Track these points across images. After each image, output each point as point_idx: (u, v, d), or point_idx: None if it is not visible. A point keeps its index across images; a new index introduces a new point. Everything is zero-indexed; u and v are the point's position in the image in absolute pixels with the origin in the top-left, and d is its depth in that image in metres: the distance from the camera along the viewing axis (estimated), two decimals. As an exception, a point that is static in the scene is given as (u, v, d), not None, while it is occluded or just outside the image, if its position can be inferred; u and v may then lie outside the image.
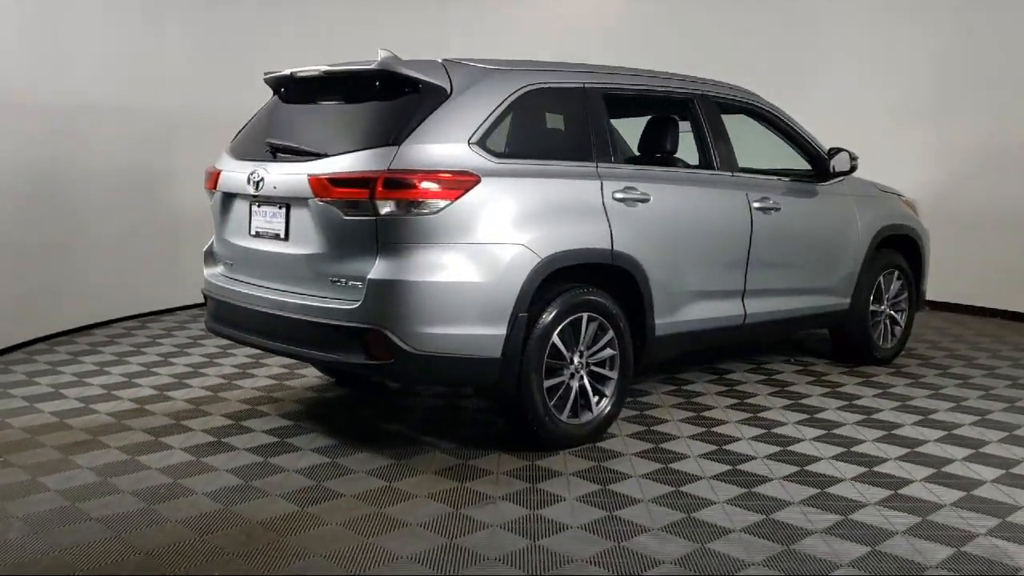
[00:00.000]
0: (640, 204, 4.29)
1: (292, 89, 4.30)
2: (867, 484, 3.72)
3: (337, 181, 3.65)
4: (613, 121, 6.25)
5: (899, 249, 6.00)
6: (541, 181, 3.96)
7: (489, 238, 3.73)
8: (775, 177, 5.27)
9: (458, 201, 3.66)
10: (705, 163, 4.85)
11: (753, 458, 4.01)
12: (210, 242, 4.56)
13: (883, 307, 5.86)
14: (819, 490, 3.64)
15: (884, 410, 4.81)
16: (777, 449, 4.14)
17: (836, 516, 3.39)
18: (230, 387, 5.10)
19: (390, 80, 3.86)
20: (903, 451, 4.14)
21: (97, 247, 6.68)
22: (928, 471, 3.88)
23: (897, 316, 5.99)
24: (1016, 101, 7.53)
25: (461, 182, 3.68)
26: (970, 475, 3.84)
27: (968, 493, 3.64)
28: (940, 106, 7.99)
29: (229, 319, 4.27)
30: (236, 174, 4.16)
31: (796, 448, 4.16)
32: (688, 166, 4.96)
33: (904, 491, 3.65)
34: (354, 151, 3.70)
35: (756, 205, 4.87)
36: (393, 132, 3.68)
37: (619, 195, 4.21)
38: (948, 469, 3.91)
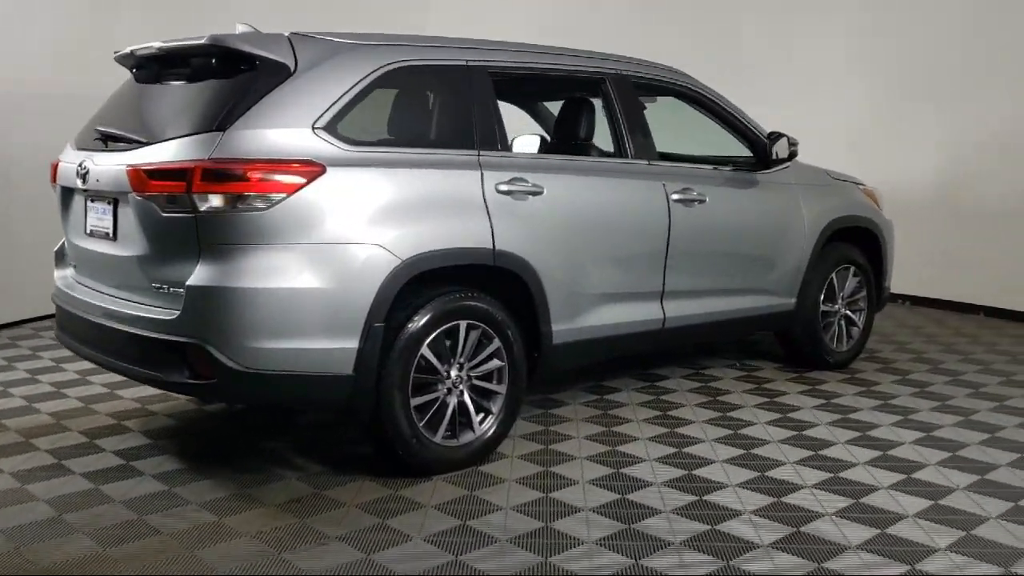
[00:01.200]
0: (531, 198, 3.81)
1: (139, 68, 3.84)
2: (767, 519, 3.23)
3: (153, 173, 3.20)
4: (547, 105, 5.88)
5: (856, 243, 5.48)
6: (404, 172, 3.48)
7: (336, 238, 3.26)
8: (705, 166, 4.77)
9: (297, 195, 3.19)
10: (618, 151, 4.36)
11: (649, 484, 3.54)
12: (61, 242, 4.12)
13: (837, 307, 5.34)
14: (710, 526, 3.16)
15: (820, 424, 4.31)
16: (682, 473, 3.66)
17: (756, 552, 2.91)
18: (110, 396, 4.67)
19: (226, 57, 3.40)
20: (823, 476, 3.64)
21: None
22: (845, 502, 3.39)
23: (855, 316, 5.47)
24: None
25: (301, 172, 3.21)
26: (892, 508, 3.34)
27: (882, 531, 3.15)
28: (944, 89, 7.44)
29: (70, 329, 3.84)
30: (70, 166, 3.72)
31: (703, 472, 3.67)
32: (604, 154, 4.48)
33: (806, 528, 3.16)
34: (175, 138, 3.24)
35: (675, 197, 4.37)
36: (219, 116, 3.21)
37: (504, 187, 3.73)
38: (868, 500, 3.42)
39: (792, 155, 4.87)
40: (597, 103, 4.43)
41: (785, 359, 5.49)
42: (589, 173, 4.10)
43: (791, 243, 4.98)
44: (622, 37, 7.82)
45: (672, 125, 5.38)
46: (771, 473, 3.67)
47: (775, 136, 4.83)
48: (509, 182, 3.75)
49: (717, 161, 5.02)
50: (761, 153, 4.89)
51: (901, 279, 7.75)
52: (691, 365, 5.37)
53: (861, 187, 5.62)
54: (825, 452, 3.93)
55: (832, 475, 3.66)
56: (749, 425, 4.28)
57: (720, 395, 4.77)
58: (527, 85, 4.90)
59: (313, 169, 3.23)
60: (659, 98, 5.05)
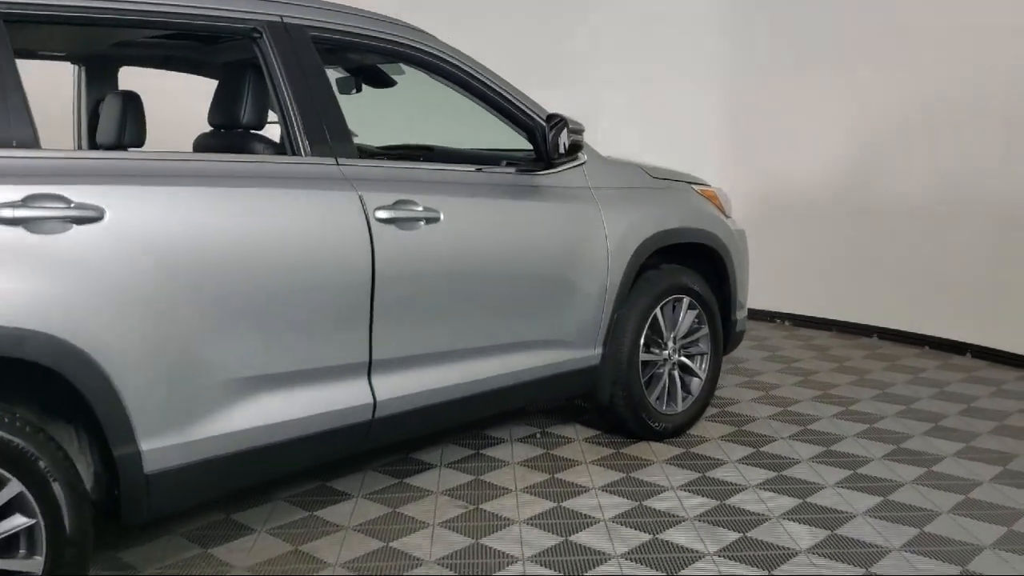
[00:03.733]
0: (74, 229, 2.23)
1: None
2: None
3: None
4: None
5: (691, 264, 4.04)
6: None
7: None
8: (451, 167, 3.27)
9: None
10: (290, 144, 2.81)
11: None
12: None
13: (665, 354, 3.89)
14: None
15: (612, 558, 2.82)
16: None
17: None
18: None
19: None
20: None
21: None
22: None
23: (693, 363, 4.02)
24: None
25: None
26: None
27: None
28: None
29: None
30: None
31: None
32: (276, 148, 2.95)
33: None
34: None
35: (382, 215, 2.83)
36: None
37: (17, 214, 2.14)
38: None
39: (573, 148, 3.38)
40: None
41: (605, 426, 4.02)
42: (197, 181, 2.51)
43: (585, 272, 3.50)
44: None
45: (425, 108, 3.86)
46: None
47: (554, 121, 3.33)
48: (25, 202, 2.16)
49: (479, 159, 3.54)
50: (540, 146, 3.39)
51: (780, 294, 6.43)
52: (478, 436, 3.86)
53: (698, 187, 4.17)
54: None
55: None
56: (510, 524, 2.77)
57: (491, 497, 3.26)
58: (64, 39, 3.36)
59: None
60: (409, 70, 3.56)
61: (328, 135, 2.81)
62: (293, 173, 2.72)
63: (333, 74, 3.83)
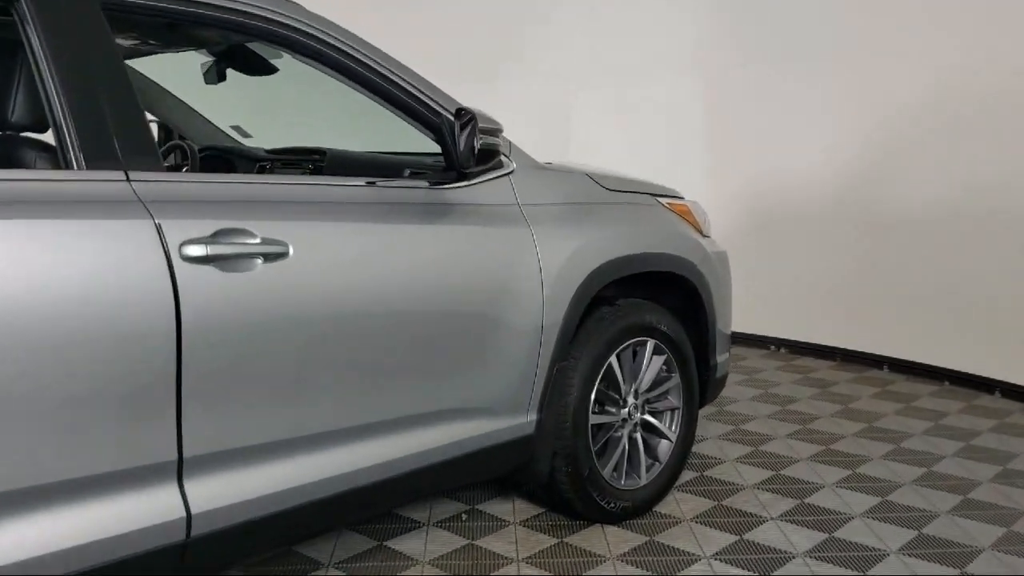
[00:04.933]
0: None
1: None
2: None
3: None
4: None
5: (660, 298, 3.22)
6: None
7: None
8: (306, 180, 2.46)
9: None
10: (61, 153, 1.97)
11: None
12: None
13: (622, 412, 3.05)
14: None
15: None
16: None
17: None
18: None
19: None
20: None
21: None
22: None
23: (660, 422, 3.19)
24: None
25: None
26: None
27: None
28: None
29: None
30: None
31: None
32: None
33: None
34: None
35: (191, 252, 1.98)
36: None
37: None
38: None
39: (486, 154, 2.53)
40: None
41: (551, 501, 3.18)
42: None
43: (511, 316, 2.65)
44: None
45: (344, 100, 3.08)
46: None
47: (463, 117, 2.49)
48: None
49: (382, 166, 2.73)
50: (451, 151, 2.55)
51: (775, 317, 5.59)
52: (380, 517, 3.02)
53: (666, 201, 3.33)
54: None
55: None
56: None
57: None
58: None
59: None
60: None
61: (116, 140, 1.97)
62: (57, 195, 1.88)
63: (192, 59, 3.02)
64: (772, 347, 5.68)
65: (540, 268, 2.71)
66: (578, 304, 2.83)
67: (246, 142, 3.75)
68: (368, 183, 2.48)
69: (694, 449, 3.74)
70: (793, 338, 5.59)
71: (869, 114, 5.05)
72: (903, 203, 4.93)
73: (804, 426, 4.12)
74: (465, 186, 2.62)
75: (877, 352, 5.18)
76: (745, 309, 5.58)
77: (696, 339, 3.35)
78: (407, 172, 2.77)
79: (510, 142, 2.79)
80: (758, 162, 5.54)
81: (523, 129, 6.15)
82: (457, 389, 2.56)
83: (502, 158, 2.72)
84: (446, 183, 2.60)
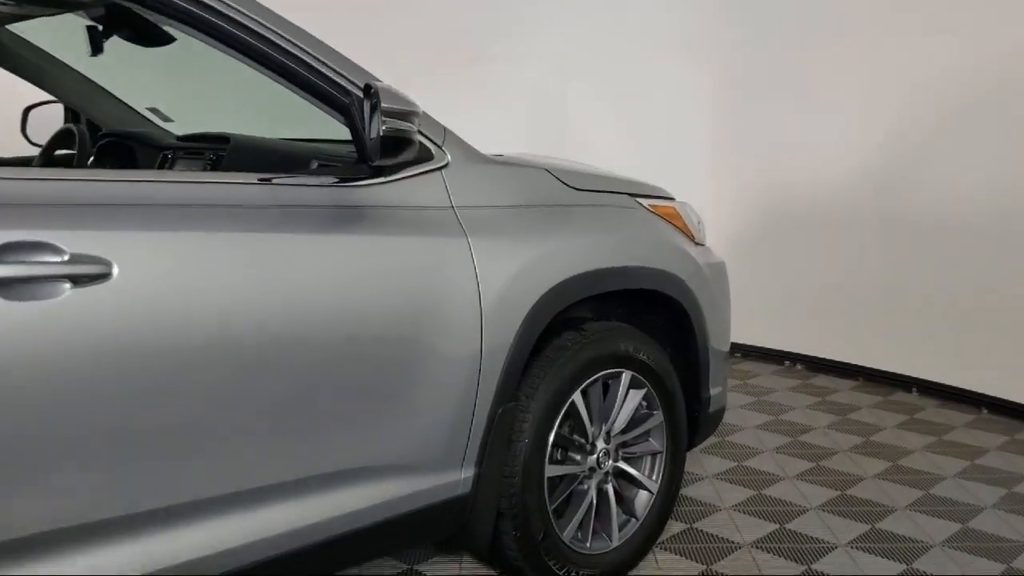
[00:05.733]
0: None
1: None
2: None
3: None
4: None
5: (640, 318, 2.67)
6: None
7: None
8: (150, 175, 1.96)
9: None
10: None
11: None
12: None
13: (588, 461, 2.51)
14: None
15: None
16: None
17: None
18: None
19: None
20: None
21: None
22: None
23: (637, 470, 2.64)
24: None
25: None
26: None
27: None
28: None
29: None
30: None
31: None
32: None
33: None
34: None
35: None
36: None
37: None
38: None
39: (400, 142, 1.97)
40: None
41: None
42: None
43: (437, 350, 2.10)
44: None
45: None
46: None
47: (371, 95, 1.93)
48: None
49: (289, 157, 2.21)
50: (362, 138, 2.00)
51: (792, 330, 5.02)
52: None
53: (648, 203, 2.77)
54: None
55: None
56: None
57: None
58: None
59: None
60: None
61: None
62: None
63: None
64: (787, 363, 5.10)
65: (478, 287, 2.16)
66: (530, 331, 2.28)
67: (169, 127, 3.23)
68: (262, 180, 1.94)
69: (684, 492, 3.19)
70: (811, 353, 5.00)
71: (900, 101, 4.45)
72: (941, 203, 4.33)
73: (817, 463, 3.55)
74: (380, 183, 2.08)
75: (905, 372, 4.58)
76: (758, 320, 5.04)
77: (685, 368, 2.80)
78: (315, 164, 2.23)
79: (445, 129, 2.24)
80: (772, 155, 4.95)
81: (512, 119, 5.64)
82: (364, 442, 2.02)
83: (433, 149, 2.18)
84: (357, 180, 2.06)
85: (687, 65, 5.19)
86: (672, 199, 2.91)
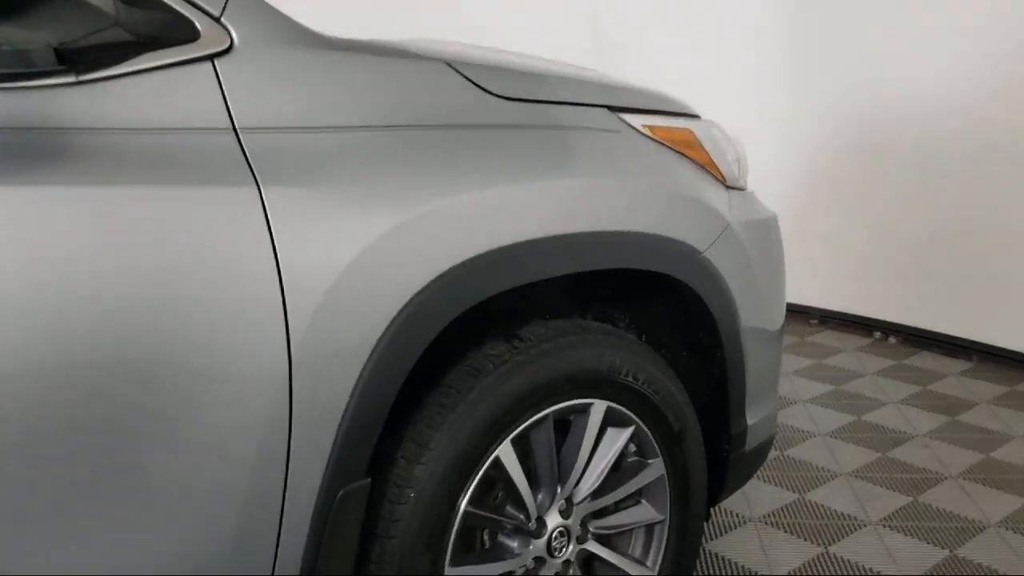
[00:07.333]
0: None
1: None
2: None
3: None
4: None
5: (630, 308, 1.66)
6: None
7: None
8: None
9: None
10: None
11: None
12: None
13: (532, 548, 1.52)
14: None
15: None
16: None
17: None
18: None
19: None
20: None
21: None
22: None
23: (621, 555, 1.65)
24: None
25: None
26: None
27: None
28: None
29: None
30: None
31: None
32: None
33: None
34: None
35: None
36: None
37: None
38: None
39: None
40: None
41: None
42: None
43: (198, 399, 1.13)
44: None
45: None
46: None
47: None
48: None
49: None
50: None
51: (888, 295, 3.91)
52: None
53: (644, 124, 1.69)
54: None
55: None
56: None
57: None
58: None
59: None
60: None
61: None
62: None
63: None
64: (877, 335, 3.97)
65: (280, 281, 1.17)
66: (400, 351, 1.28)
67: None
68: None
69: (712, 547, 2.19)
70: (911, 323, 3.86)
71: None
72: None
73: (915, 498, 2.49)
74: (78, 84, 1.09)
75: (1011, 347, 3.45)
76: (841, 279, 3.95)
77: (703, 386, 1.77)
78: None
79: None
80: (855, 69, 3.78)
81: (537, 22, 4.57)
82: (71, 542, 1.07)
83: (198, 22, 1.17)
84: (31, 77, 1.07)
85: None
86: (691, 116, 1.83)
